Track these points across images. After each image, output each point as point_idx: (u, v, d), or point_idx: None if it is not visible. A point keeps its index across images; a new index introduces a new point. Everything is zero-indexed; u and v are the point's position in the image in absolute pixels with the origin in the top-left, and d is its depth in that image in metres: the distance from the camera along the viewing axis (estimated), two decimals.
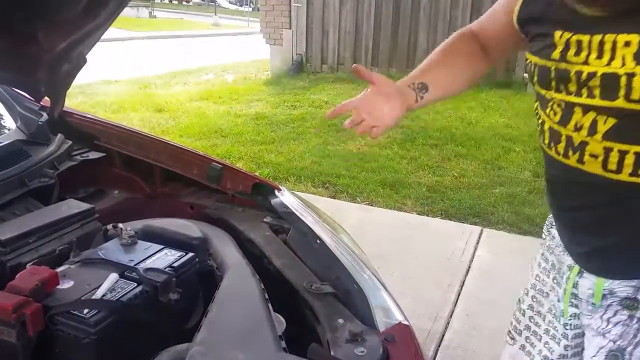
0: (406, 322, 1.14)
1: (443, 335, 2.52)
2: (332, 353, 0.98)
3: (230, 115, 6.24)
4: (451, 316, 2.65)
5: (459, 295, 2.81)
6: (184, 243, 1.23)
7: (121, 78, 8.77)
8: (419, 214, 3.82)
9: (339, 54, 8.51)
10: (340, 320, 1.07)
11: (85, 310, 0.90)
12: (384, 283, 1.27)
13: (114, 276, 1.01)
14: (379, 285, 1.22)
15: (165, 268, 1.06)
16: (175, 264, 1.09)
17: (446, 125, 5.80)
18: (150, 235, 1.25)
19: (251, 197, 1.50)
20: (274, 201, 1.44)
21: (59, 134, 1.54)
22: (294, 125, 5.87)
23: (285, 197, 1.46)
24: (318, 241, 1.29)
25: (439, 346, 2.44)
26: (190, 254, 1.14)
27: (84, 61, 1.47)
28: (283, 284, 1.19)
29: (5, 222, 1.17)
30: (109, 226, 1.24)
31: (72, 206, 1.28)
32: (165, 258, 1.11)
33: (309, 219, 1.37)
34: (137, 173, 1.64)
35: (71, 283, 0.99)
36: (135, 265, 1.06)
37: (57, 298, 0.93)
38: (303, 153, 4.98)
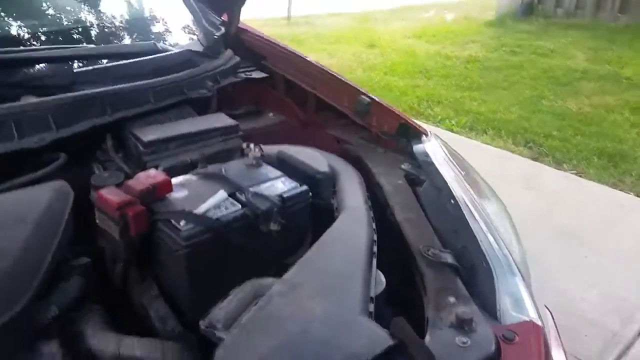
0: (539, 322, 0.90)
1: (633, 343, 2.08)
2: (427, 335, 0.82)
3: (440, 56, 5.93)
4: None
5: None
6: (308, 175, 1.16)
7: (347, 11, 8.97)
8: (638, 195, 3.16)
9: None
10: (451, 299, 0.90)
11: (182, 222, 0.89)
12: (527, 272, 1.03)
13: (222, 194, 0.98)
14: (516, 270, 0.98)
15: (274, 196, 1.01)
16: (286, 195, 1.02)
17: None
18: (280, 161, 1.21)
19: (394, 138, 1.34)
20: (416, 147, 1.26)
21: (229, 49, 1.57)
22: (508, 72, 5.30)
23: (430, 145, 1.27)
24: (452, 201, 1.09)
25: (624, 353, 2.03)
26: (304, 187, 1.06)
27: None
28: (398, 240, 1.05)
29: (154, 125, 1.23)
30: (244, 145, 1.22)
31: (219, 120, 1.30)
32: (279, 186, 1.05)
33: (449, 173, 1.17)
34: (294, 98, 1.61)
35: (185, 193, 1.00)
36: (248, 187, 1.02)
37: (165, 204, 0.95)
38: (511, 105, 4.50)
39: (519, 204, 2.95)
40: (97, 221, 0.93)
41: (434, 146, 1.28)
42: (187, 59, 1.45)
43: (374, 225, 1.05)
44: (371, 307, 0.83)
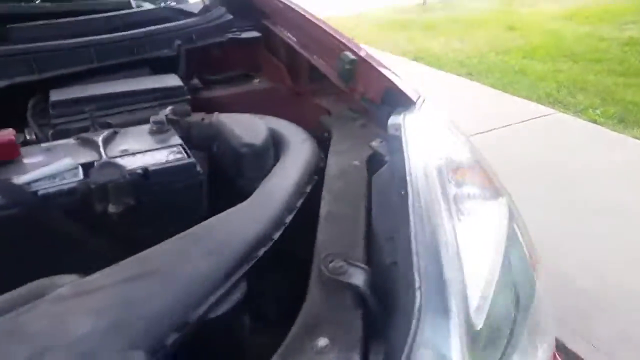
0: None
1: None
2: None
3: (591, 38, 5.01)
4: None
5: None
6: (233, 149, 0.90)
7: None
8: None
9: None
10: (321, 342, 0.56)
11: None
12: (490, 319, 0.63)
13: (65, 162, 0.76)
14: (453, 308, 0.59)
15: (136, 168, 0.76)
16: (152, 168, 0.76)
17: None
18: (214, 130, 0.97)
19: (375, 107, 0.98)
20: (392, 118, 0.89)
21: (220, 7, 1.34)
22: None
23: (412, 117, 0.87)
24: (403, 192, 0.72)
25: None
26: (189, 161, 0.79)
27: None
28: (306, 243, 0.73)
29: (77, 86, 1.06)
30: (166, 110, 0.99)
31: (163, 81, 1.09)
32: (157, 157, 0.80)
33: (422, 155, 0.78)
34: (286, 63, 1.32)
35: (38, 159, 0.80)
36: (113, 157, 0.79)
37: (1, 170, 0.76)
38: None
39: None
40: None
41: (420, 119, 0.90)
42: (162, 16, 1.26)
43: (288, 219, 0.75)
44: (170, 339, 0.54)
